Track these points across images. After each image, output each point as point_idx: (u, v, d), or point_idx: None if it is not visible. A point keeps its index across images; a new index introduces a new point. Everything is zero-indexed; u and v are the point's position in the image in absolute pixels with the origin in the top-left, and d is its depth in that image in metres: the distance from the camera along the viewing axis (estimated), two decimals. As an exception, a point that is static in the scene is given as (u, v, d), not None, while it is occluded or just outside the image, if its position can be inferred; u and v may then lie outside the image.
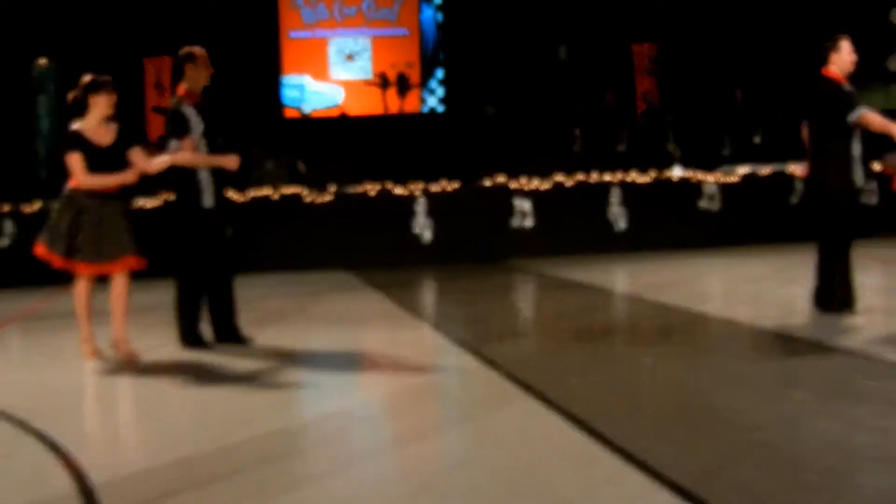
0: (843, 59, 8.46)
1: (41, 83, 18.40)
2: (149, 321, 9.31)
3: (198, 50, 8.28)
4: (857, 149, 8.37)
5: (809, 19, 18.43)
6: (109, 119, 7.83)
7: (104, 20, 18.51)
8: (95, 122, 7.74)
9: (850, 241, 8.38)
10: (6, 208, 14.15)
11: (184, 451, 5.25)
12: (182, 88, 8.23)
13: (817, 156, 8.50)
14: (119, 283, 7.80)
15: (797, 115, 9.13)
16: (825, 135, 8.44)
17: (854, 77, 8.50)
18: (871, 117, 8.27)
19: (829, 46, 8.47)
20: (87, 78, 7.80)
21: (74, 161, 7.57)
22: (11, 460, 5.30)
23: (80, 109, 7.76)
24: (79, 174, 7.60)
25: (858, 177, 8.37)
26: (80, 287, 7.82)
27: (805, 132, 8.71)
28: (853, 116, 8.26)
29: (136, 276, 7.94)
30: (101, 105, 7.74)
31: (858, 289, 8.46)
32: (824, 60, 8.51)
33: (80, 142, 7.65)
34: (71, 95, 7.82)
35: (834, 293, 8.32)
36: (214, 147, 8.17)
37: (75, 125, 7.74)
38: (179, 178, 8.12)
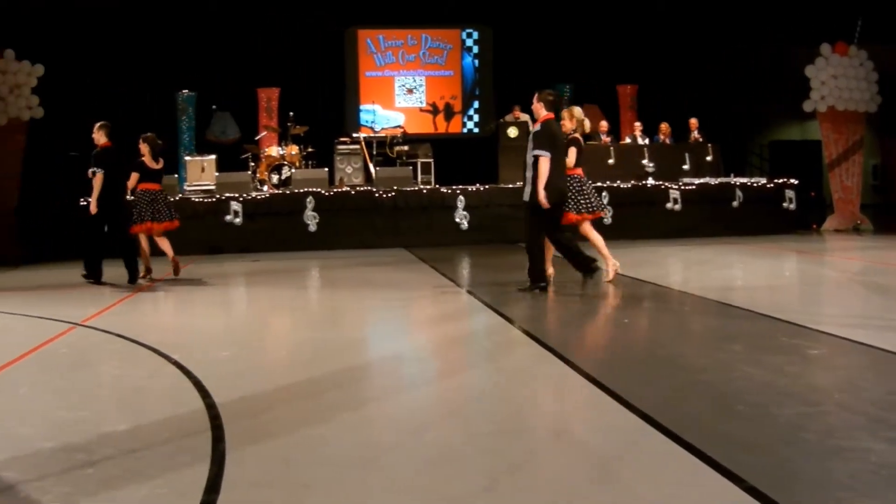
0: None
1: (185, 107, 18.67)
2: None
3: None
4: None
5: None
6: None
7: (228, 60, 18.75)
8: None
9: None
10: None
11: (280, 379, 5.31)
12: None
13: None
14: None
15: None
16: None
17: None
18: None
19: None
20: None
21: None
22: (154, 380, 5.39)
23: None
24: None
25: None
26: None
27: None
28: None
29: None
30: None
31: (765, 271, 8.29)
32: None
33: None
34: None
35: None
36: None
37: None
38: None
